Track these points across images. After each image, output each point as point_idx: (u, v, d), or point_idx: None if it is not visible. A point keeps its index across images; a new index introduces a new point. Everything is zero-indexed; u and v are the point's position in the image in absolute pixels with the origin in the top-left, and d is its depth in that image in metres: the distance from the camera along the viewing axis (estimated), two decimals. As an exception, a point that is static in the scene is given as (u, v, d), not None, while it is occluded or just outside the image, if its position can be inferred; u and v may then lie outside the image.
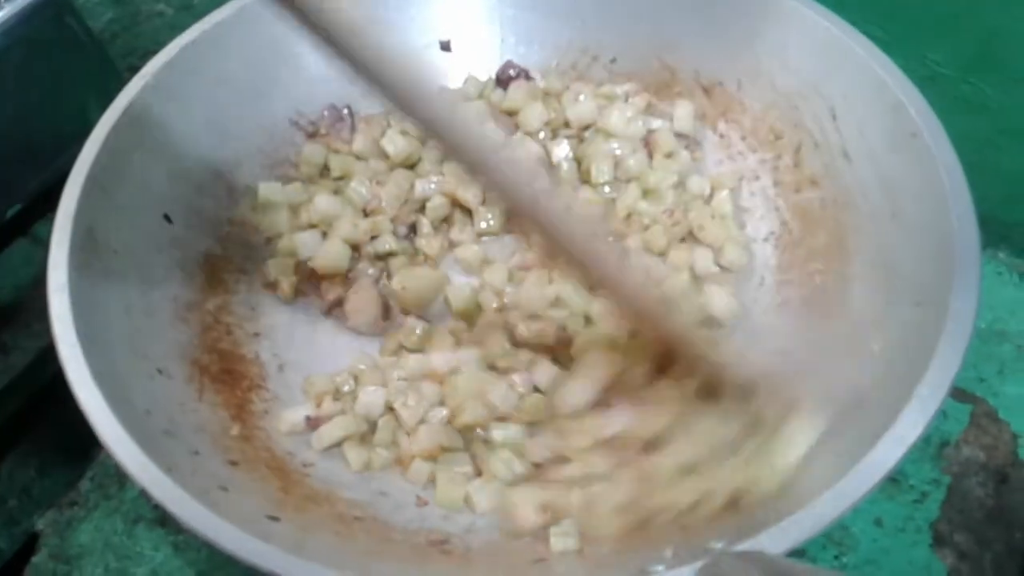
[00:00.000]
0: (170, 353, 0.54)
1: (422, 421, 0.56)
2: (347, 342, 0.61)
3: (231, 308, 0.60)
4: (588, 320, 0.59)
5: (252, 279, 0.62)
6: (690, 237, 0.64)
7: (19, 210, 0.64)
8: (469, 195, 0.64)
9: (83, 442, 0.62)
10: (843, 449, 0.44)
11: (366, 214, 0.65)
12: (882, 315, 0.52)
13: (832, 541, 0.54)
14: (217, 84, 0.62)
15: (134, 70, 0.59)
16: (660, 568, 0.41)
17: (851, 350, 0.53)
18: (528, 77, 0.70)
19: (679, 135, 0.67)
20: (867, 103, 0.56)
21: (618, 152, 0.66)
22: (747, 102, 0.65)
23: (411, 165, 0.67)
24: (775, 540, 0.40)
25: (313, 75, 0.67)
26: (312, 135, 0.68)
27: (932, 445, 0.59)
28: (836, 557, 0.56)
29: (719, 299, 0.60)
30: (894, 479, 0.57)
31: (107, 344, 0.49)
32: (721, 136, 0.67)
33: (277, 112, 0.66)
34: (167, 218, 0.58)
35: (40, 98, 0.62)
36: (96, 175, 0.53)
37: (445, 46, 0.70)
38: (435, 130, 0.44)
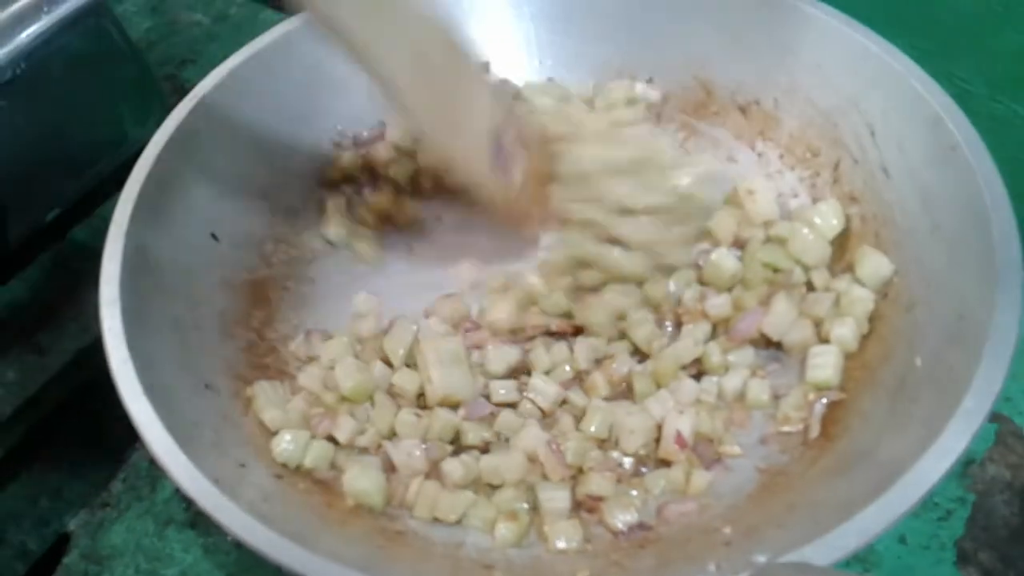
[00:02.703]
0: (217, 368, 0.55)
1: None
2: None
3: (275, 325, 0.61)
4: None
5: (295, 297, 0.63)
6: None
7: (57, 214, 0.66)
8: None
9: (116, 443, 0.63)
10: (888, 462, 0.44)
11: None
12: (924, 329, 0.52)
13: (856, 558, 0.53)
14: (263, 106, 0.63)
15: (171, 79, 0.60)
16: (705, 582, 0.41)
17: (894, 366, 0.53)
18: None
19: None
20: (906, 118, 0.56)
21: None
22: (784, 120, 0.65)
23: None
24: (820, 553, 0.39)
25: (355, 97, 0.68)
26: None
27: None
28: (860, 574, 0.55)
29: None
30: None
31: (156, 358, 0.50)
32: (759, 155, 0.67)
33: (320, 133, 0.68)
34: (214, 236, 0.59)
35: (80, 105, 0.64)
36: (147, 194, 0.55)
37: (484, 68, 0.71)
38: None
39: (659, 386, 0.58)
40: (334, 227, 0.66)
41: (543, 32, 0.71)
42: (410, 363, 0.60)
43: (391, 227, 0.69)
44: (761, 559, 0.42)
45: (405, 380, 0.58)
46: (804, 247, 0.59)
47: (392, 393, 0.59)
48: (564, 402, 0.58)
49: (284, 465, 0.53)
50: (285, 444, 0.53)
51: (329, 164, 0.68)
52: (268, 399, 0.55)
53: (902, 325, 0.54)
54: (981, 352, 0.44)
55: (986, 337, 0.45)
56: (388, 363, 0.60)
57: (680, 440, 0.54)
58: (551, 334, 0.62)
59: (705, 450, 0.54)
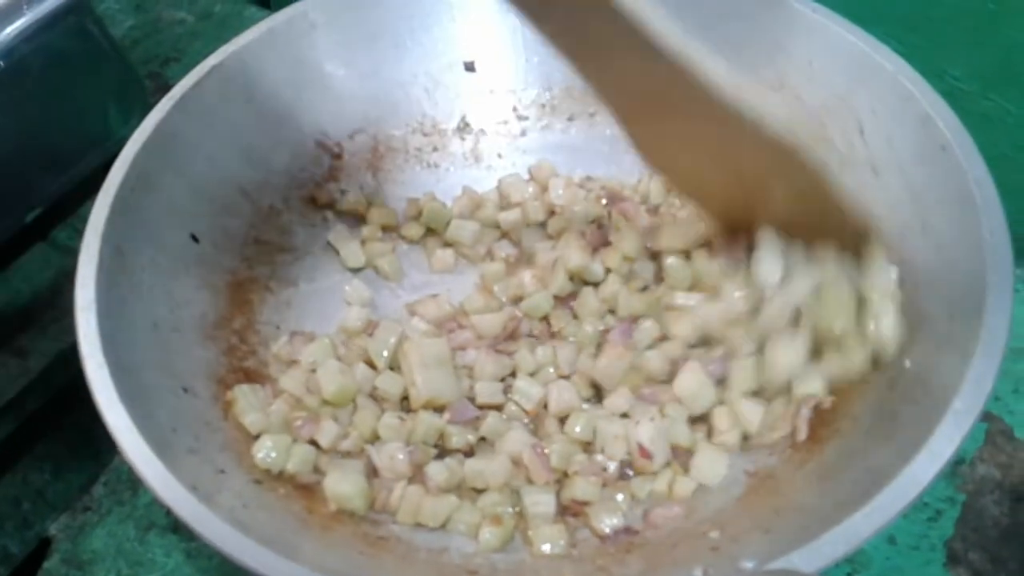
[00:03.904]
0: (196, 371, 0.54)
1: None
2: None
3: (256, 328, 0.60)
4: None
5: (278, 299, 0.63)
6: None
7: (38, 214, 0.65)
8: None
9: (98, 447, 0.63)
10: (877, 466, 0.44)
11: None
12: (913, 331, 0.51)
13: (845, 559, 0.53)
14: (244, 105, 0.62)
15: (154, 77, 0.60)
16: (691, 587, 0.41)
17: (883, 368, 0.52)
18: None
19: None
20: (895, 116, 0.55)
21: None
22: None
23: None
24: (808, 558, 0.39)
25: (339, 96, 0.67)
26: (337, 156, 0.68)
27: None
28: (849, 575, 0.55)
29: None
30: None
31: (134, 361, 0.49)
32: (747, 153, 0.66)
33: (303, 133, 0.67)
34: (194, 238, 0.58)
35: (61, 104, 0.63)
36: (124, 195, 0.53)
37: (469, 67, 0.71)
38: None
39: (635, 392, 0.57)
40: (350, 257, 0.66)
41: (529, 29, 0.69)
42: (394, 365, 0.59)
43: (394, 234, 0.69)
44: (748, 565, 0.41)
45: (389, 383, 0.57)
46: None
47: (375, 396, 0.58)
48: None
49: (266, 471, 0.52)
50: (266, 450, 0.52)
51: (313, 163, 0.67)
52: (249, 403, 0.54)
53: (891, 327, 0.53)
54: (971, 353, 0.44)
55: (976, 338, 0.44)
56: (371, 365, 0.59)
57: (643, 452, 0.53)
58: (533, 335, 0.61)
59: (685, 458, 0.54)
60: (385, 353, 0.59)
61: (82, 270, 0.50)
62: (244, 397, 0.55)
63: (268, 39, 0.63)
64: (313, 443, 0.54)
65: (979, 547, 0.56)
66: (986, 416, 0.61)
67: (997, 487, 0.59)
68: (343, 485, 0.51)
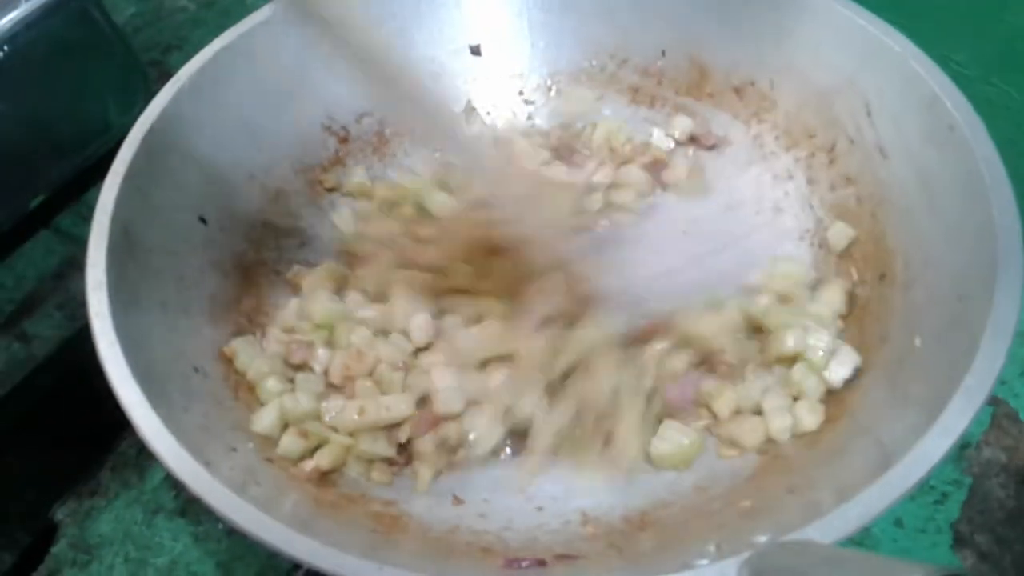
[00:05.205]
0: (206, 351, 0.54)
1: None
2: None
3: (264, 309, 0.60)
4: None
5: (284, 282, 0.63)
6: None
7: (42, 201, 0.65)
8: None
9: (103, 432, 0.62)
10: (890, 441, 0.44)
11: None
12: (923, 309, 0.51)
13: (853, 541, 0.53)
14: (250, 88, 0.62)
15: (156, 64, 0.60)
16: (704, 562, 0.41)
17: (893, 346, 0.52)
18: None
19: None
20: (903, 98, 0.56)
21: None
22: (780, 100, 0.65)
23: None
24: (821, 532, 0.39)
25: (344, 80, 0.67)
26: (344, 139, 0.68)
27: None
28: (856, 557, 0.55)
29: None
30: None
31: (144, 341, 0.49)
32: (754, 136, 0.67)
33: (309, 116, 0.67)
34: (202, 220, 0.58)
35: (64, 91, 0.63)
36: (133, 176, 0.53)
37: (475, 50, 0.71)
38: None
39: None
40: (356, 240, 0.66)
41: (536, 13, 0.70)
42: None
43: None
44: (762, 539, 0.42)
45: (372, 312, 0.60)
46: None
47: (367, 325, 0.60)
48: None
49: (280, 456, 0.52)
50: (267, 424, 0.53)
51: (319, 147, 0.68)
52: (248, 353, 0.56)
53: (901, 306, 0.53)
54: (981, 332, 0.44)
55: (986, 317, 0.44)
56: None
57: None
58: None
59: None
60: (373, 284, 0.61)
61: (92, 250, 0.50)
62: (243, 348, 0.56)
63: (272, 24, 0.63)
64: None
65: (985, 529, 0.56)
66: (992, 399, 0.61)
67: (1003, 470, 0.59)
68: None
